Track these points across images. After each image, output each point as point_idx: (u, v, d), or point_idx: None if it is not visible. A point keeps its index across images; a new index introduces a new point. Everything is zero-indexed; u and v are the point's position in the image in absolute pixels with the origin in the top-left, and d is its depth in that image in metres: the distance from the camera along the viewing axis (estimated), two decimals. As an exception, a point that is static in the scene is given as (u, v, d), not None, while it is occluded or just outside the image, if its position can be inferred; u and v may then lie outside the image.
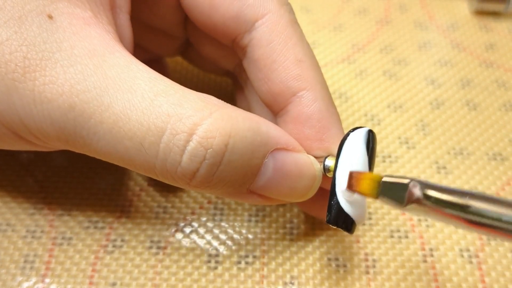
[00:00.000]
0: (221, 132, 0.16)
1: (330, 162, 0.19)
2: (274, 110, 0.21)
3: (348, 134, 0.18)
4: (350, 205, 0.18)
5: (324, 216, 0.19)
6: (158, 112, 0.16)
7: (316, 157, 0.19)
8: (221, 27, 0.20)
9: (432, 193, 0.15)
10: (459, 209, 0.14)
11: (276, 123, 0.21)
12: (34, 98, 0.16)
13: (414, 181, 0.15)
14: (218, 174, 0.16)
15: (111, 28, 0.18)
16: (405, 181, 0.16)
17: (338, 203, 0.18)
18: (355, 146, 0.18)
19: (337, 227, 0.18)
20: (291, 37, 0.20)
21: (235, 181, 0.17)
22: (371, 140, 0.18)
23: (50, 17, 0.17)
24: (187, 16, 0.23)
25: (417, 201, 0.15)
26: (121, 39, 0.20)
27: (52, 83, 0.16)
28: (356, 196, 0.18)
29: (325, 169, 0.19)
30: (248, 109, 0.24)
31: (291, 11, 0.21)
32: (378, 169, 0.26)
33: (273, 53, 0.20)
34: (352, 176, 0.18)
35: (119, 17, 0.20)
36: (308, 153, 0.19)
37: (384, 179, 0.16)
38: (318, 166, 0.19)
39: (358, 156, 0.18)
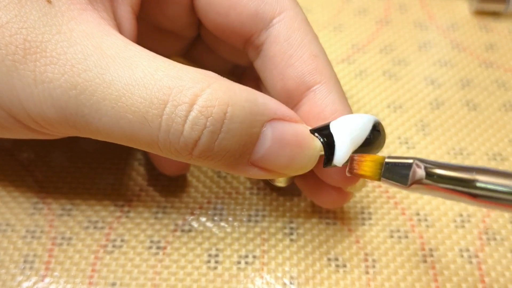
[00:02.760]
0: (219, 101, 0.16)
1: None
2: (289, 106, 0.21)
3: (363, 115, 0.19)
4: (337, 134, 0.18)
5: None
6: (159, 86, 0.16)
7: None
8: (238, 26, 0.21)
9: (436, 171, 0.15)
10: (464, 185, 0.15)
11: None
12: (35, 78, 0.16)
13: (417, 161, 0.16)
14: (219, 142, 0.17)
15: (107, 15, 0.19)
16: (408, 161, 0.16)
17: (328, 124, 0.19)
18: (364, 116, 0.19)
19: (319, 135, 0.19)
20: (307, 33, 0.20)
21: (236, 150, 0.17)
22: (378, 128, 0.19)
23: (49, 1, 0.17)
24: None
25: (421, 180, 0.15)
26: (121, 30, 0.20)
27: (54, 64, 0.16)
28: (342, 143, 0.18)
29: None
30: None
31: (302, 10, 0.21)
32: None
33: (290, 48, 0.20)
34: (353, 159, 0.18)
35: (119, 7, 0.20)
36: None
37: (387, 160, 0.17)
38: (317, 138, 0.19)
39: (363, 121, 0.19)
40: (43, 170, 0.25)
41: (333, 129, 0.18)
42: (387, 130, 0.28)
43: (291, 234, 0.24)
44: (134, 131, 0.17)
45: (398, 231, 0.24)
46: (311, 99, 0.20)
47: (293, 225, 0.24)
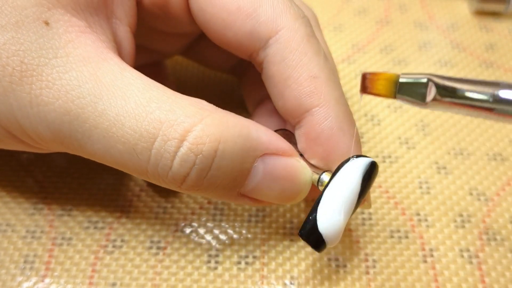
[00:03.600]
0: (211, 138, 0.16)
1: (325, 178, 0.19)
2: (291, 123, 0.21)
3: (348, 160, 0.18)
4: (327, 226, 0.18)
5: None
6: (150, 119, 0.16)
7: (318, 169, 0.19)
8: (236, 44, 0.20)
9: (453, 85, 0.15)
10: (483, 101, 0.15)
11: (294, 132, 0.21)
12: (30, 100, 0.17)
13: (433, 77, 0.16)
14: (208, 178, 0.17)
15: (106, 37, 0.19)
16: (424, 79, 0.16)
17: (315, 220, 0.18)
18: (352, 174, 0.18)
19: (307, 243, 0.18)
20: (306, 52, 0.19)
21: (226, 184, 0.17)
22: (369, 172, 0.18)
23: (46, 23, 0.17)
24: None
25: (439, 97, 0.16)
26: (120, 50, 0.20)
27: (49, 88, 0.17)
28: (337, 218, 0.18)
29: (319, 182, 0.19)
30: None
31: (307, 24, 0.20)
32: (378, 169, 0.26)
33: (286, 70, 0.19)
34: (365, 77, 0.17)
35: (118, 28, 0.20)
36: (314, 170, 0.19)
37: (401, 78, 0.16)
38: (308, 171, 0.19)
39: (350, 185, 0.18)
40: (43, 171, 0.25)
41: (321, 222, 0.18)
42: (387, 130, 0.28)
43: (291, 234, 0.24)
44: (124, 160, 0.17)
45: (398, 231, 0.24)
46: (308, 123, 0.19)
47: (293, 225, 0.24)
